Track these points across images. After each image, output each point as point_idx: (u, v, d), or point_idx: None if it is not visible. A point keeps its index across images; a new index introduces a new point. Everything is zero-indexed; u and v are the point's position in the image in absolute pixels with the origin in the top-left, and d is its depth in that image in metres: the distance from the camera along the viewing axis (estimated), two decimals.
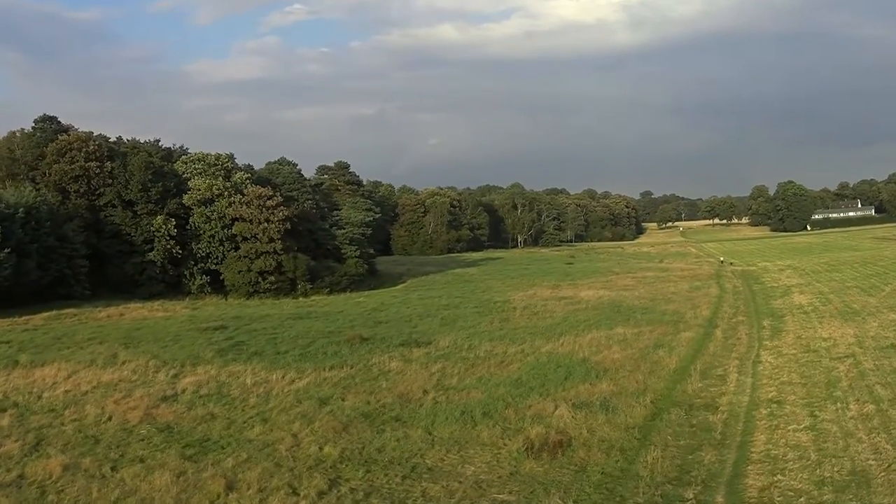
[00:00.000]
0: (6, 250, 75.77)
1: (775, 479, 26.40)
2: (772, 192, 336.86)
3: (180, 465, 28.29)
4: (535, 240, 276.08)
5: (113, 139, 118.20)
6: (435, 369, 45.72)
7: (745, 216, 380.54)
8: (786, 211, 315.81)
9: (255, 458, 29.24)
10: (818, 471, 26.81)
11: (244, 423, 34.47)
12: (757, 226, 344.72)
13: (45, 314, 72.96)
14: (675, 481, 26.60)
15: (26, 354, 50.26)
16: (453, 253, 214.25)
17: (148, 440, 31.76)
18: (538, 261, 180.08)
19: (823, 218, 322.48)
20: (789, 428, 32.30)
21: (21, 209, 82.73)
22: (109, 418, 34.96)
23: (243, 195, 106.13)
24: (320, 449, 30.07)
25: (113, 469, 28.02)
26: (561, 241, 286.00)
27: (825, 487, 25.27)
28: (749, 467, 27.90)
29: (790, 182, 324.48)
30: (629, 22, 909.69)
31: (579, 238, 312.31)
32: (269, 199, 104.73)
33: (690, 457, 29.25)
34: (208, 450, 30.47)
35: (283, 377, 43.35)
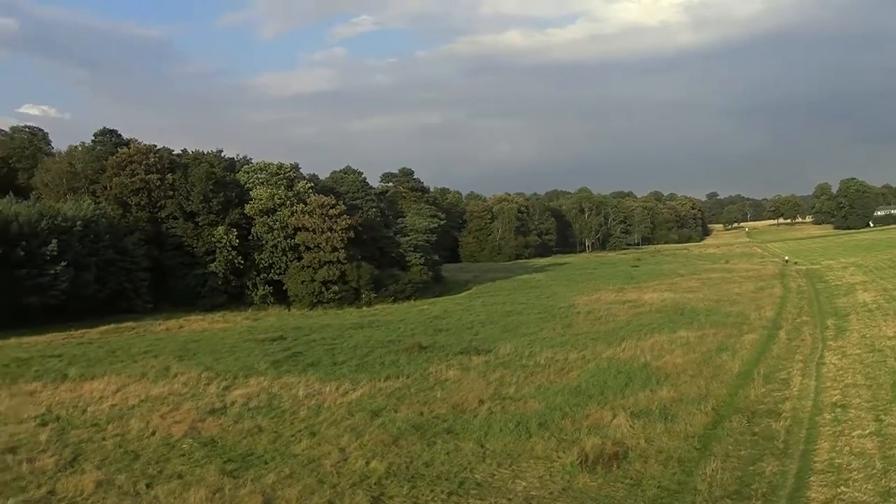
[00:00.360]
0: (63, 263, 76.21)
1: (839, 490, 25.35)
2: (835, 190, 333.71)
3: (219, 481, 27.47)
4: (603, 244, 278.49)
5: (177, 152, 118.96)
6: (493, 378, 44.64)
7: (809, 215, 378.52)
8: (849, 208, 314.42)
9: (297, 473, 28.31)
10: (883, 481, 25.73)
11: (291, 436, 33.57)
12: (820, 224, 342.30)
13: (103, 328, 73.15)
14: (734, 495, 25.57)
15: (76, 368, 50.01)
16: (521, 259, 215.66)
17: (189, 455, 30.99)
18: (604, 265, 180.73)
19: (886, 214, 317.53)
20: (854, 434, 31.25)
21: (79, 222, 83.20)
22: (153, 433, 34.27)
23: (306, 204, 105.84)
24: (367, 464, 29.06)
25: (148, 486, 27.28)
26: (628, 245, 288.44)
27: (892, 499, 24.29)
28: (812, 478, 26.80)
29: (853, 179, 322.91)
30: (691, 23, 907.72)
31: (646, 241, 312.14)
32: (331, 207, 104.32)
33: (751, 468, 28.21)
34: (250, 465, 29.61)
35: (337, 389, 42.47)
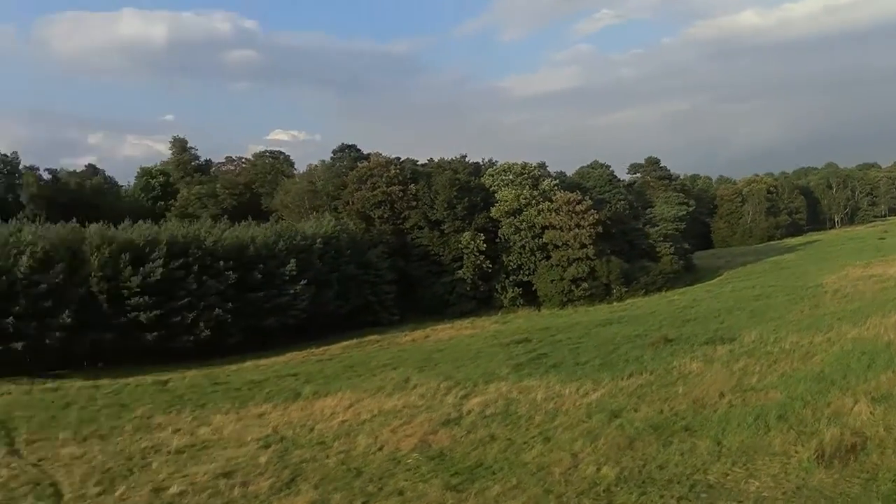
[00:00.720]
0: (302, 282, 78.10)
1: None
2: None
3: (441, 496, 26.15)
4: (851, 218, 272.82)
5: (422, 161, 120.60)
6: (736, 368, 41.88)
7: None
8: None
9: (524, 483, 26.60)
10: None
11: (524, 444, 31.90)
12: None
13: (345, 343, 74.60)
14: None
15: (311, 386, 50.22)
16: (772, 240, 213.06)
17: (415, 470, 29.80)
18: (852, 239, 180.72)
19: None
20: None
21: (319, 240, 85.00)
22: (380, 448, 33.37)
23: (552, 202, 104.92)
24: (598, 470, 26.99)
25: None
26: (875, 217, 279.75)
27: None
28: None
29: None
30: None
31: (892, 212, 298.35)
32: (578, 203, 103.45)
33: None
34: (477, 477, 28.10)
35: (577, 390, 40.49)
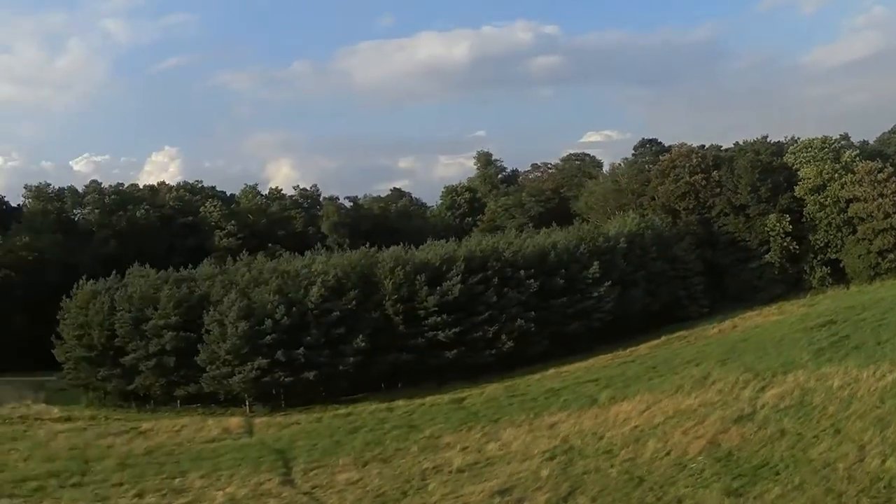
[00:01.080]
0: (607, 283, 76.97)
1: None
2: None
3: (719, 502, 24.78)
4: None
5: (727, 147, 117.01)
6: None
7: None
8: None
9: (806, 483, 25.03)
10: None
11: (813, 437, 30.01)
12: None
13: (653, 342, 73.06)
14: None
15: (609, 391, 49.48)
16: None
17: (698, 475, 28.74)
18: None
19: None
20: None
21: (622, 239, 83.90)
22: (667, 453, 32.38)
23: (854, 174, 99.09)
24: (883, 462, 24.94)
25: None
26: None
27: None
28: None
29: None
30: None
31: None
32: (878, 172, 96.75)
33: None
34: (759, 478, 26.78)
35: (874, 373, 37.21)
